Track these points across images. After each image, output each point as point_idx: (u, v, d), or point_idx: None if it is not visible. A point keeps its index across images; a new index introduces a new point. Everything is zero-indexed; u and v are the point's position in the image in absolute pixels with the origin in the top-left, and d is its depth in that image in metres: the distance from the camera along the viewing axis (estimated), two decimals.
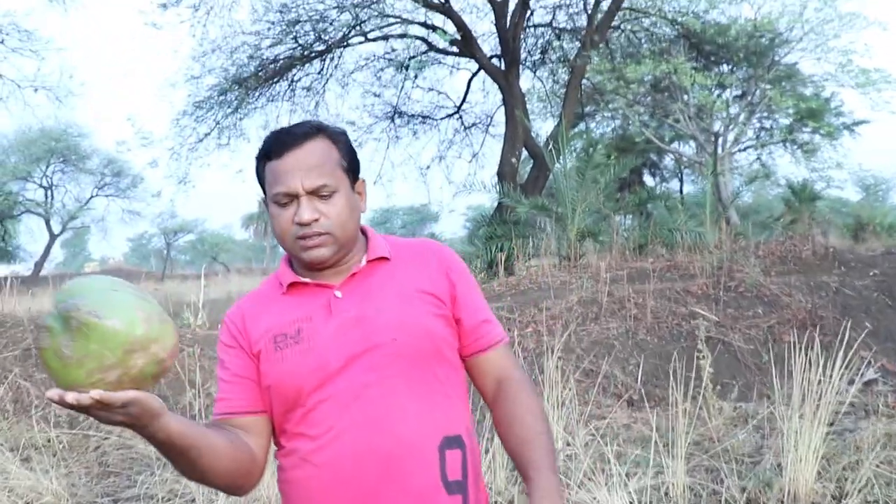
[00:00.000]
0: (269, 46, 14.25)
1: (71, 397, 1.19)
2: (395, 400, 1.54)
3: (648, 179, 30.43)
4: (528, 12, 14.56)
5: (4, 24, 16.12)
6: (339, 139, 1.65)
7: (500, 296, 8.67)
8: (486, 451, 4.25)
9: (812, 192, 22.59)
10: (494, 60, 14.71)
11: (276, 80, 14.77)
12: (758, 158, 27.36)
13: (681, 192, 30.38)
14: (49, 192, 39.76)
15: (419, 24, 14.42)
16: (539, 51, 16.45)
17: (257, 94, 14.70)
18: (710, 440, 5.11)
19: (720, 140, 23.51)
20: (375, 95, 16.60)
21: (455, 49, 14.58)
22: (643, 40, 17.28)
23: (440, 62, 16.05)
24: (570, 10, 15.71)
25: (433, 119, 17.35)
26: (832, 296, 7.78)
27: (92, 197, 40.49)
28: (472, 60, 14.68)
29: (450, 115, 17.36)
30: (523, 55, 15.40)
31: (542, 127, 20.08)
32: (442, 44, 14.14)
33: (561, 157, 10.85)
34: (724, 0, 17.07)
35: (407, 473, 1.52)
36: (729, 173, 23.84)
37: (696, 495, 4.21)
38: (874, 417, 5.54)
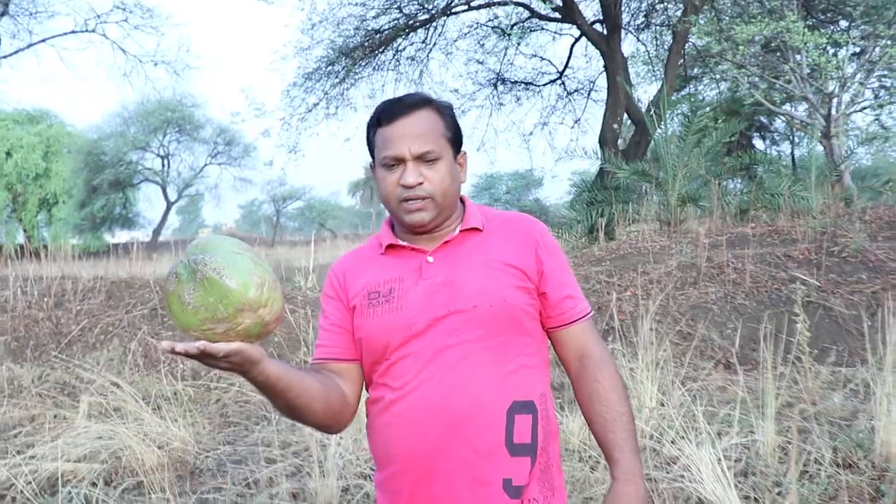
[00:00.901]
0: (374, 17, 14.53)
1: (180, 347, 1.35)
2: (470, 363, 1.63)
3: (758, 143, 29.53)
4: None
5: (129, 2, 16.90)
6: (445, 112, 1.75)
7: (601, 260, 8.79)
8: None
9: None
10: (596, 26, 14.63)
11: (381, 50, 15.07)
12: (876, 119, 26.26)
13: (792, 155, 29.37)
14: (165, 161, 41.38)
15: None
16: (642, 14, 16.24)
17: (363, 64, 15.04)
18: (804, 403, 5.17)
19: (834, 101, 22.59)
20: (479, 63, 16.74)
21: (557, 15, 14.56)
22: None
23: (543, 28, 16.05)
24: None
25: (536, 85, 17.39)
26: None
27: (205, 165, 41.93)
28: (574, 27, 14.63)
29: (552, 82, 17.37)
30: (626, 19, 15.26)
31: (647, 91, 19.84)
32: (544, 10, 14.14)
33: (662, 123, 10.80)
34: None
35: (472, 432, 1.60)
36: (843, 135, 22.92)
37: (787, 454, 4.29)
38: None
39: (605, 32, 14.06)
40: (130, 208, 41.97)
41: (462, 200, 1.83)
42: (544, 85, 17.35)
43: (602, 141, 13.28)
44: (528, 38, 16.13)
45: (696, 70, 20.63)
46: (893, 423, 4.10)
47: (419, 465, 1.62)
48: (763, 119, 28.48)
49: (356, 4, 14.47)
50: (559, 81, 17.31)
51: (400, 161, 1.68)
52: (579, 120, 17.63)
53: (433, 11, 14.49)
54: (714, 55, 17.71)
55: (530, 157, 48.28)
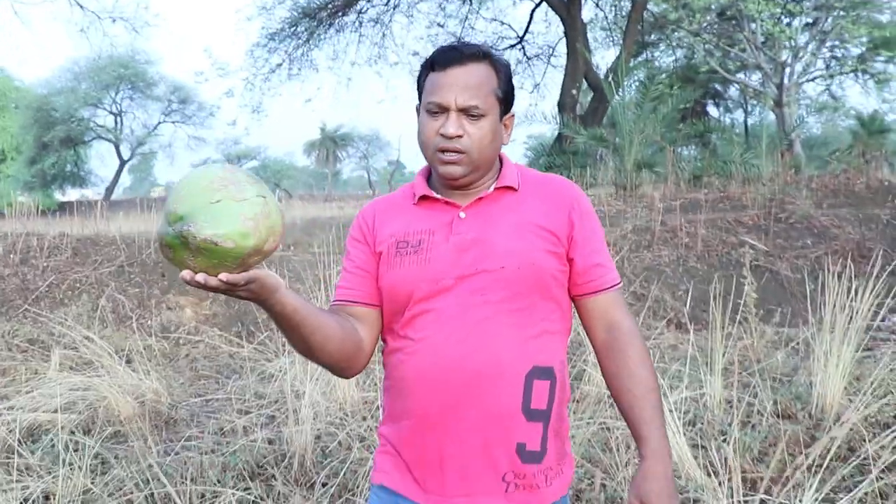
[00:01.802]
0: None
1: (201, 277, 1.33)
2: (494, 323, 1.60)
3: (713, 110, 29.98)
4: None
5: None
6: (502, 69, 1.69)
7: None
8: None
9: (882, 124, 21.97)
10: None
11: (344, 11, 15.08)
12: (826, 89, 26.80)
13: (745, 123, 29.88)
14: (118, 119, 40.66)
15: None
16: None
17: (327, 25, 15.03)
18: (750, 361, 5.48)
19: (787, 70, 23.00)
20: (439, 26, 16.82)
21: None
22: None
23: None
24: None
25: (496, 49, 17.47)
26: (882, 228, 7.99)
27: (159, 123, 41.33)
28: None
29: (512, 46, 17.52)
30: None
31: (605, 57, 20.05)
32: None
33: (620, 90, 11.04)
34: None
35: (489, 393, 1.58)
36: (794, 104, 23.38)
37: (732, 406, 4.58)
38: None
39: None
40: (82, 166, 41.26)
41: (500, 159, 1.77)
42: (504, 49, 17.48)
43: (561, 106, 13.50)
44: (489, 3, 16.29)
45: (653, 37, 20.86)
46: (829, 377, 4.40)
47: (433, 421, 1.61)
48: (718, 87, 28.92)
49: None
50: (519, 46, 17.46)
51: (444, 110, 1.63)
52: (538, 85, 17.82)
53: None
54: (671, 23, 17.97)
55: None
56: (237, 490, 3.42)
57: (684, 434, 3.81)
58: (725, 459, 3.49)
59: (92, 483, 3.52)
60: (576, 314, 1.78)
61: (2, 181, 37.64)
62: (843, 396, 4.47)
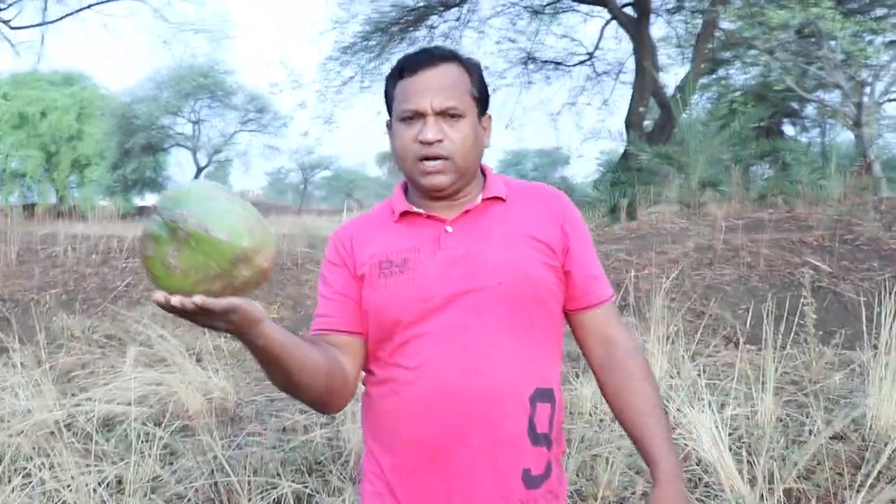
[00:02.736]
0: None
1: (176, 300, 1.18)
2: (494, 344, 1.51)
3: (789, 129, 29.43)
4: None
5: None
6: (473, 68, 1.61)
7: (621, 239, 9.09)
8: None
9: None
10: (627, 9, 14.82)
11: (415, 26, 15.38)
12: None
13: (822, 142, 29.26)
14: (196, 127, 41.71)
15: None
16: None
17: (398, 40, 15.36)
18: (808, 381, 5.48)
19: (867, 89, 22.46)
20: (510, 41, 16.99)
21: None
22: None
23: (574, 10, 16.27)
24: None
25: (565, 65, 17.60)
26: None
27: (236, 132, 42.23)
28: (605, 9, 14.85)
29: (582, 62, 17.60)
30: (657, 2, 15.44)
31: (676, 73, 19.97)
32: None
33: (687, 109, 11.06)
34: None
35: (495, 419, 1.49)
36: (875, 124, 22.82)
37: (785, 425, 4.61)
38: None
39: (636, 16, 14.26)
40: (160, 172, 42.42)
41: (482, 170, 1.67)
42: (574, 65, 17.59)
43: (628, 123, 13.56)
44: (560, 19, 16.40)
45: (728, 53, 20.65)
46: (884, 400, 4.41)
47: (435, 452, 1.51)
48: (794, 105, 28.41)
49: None
50: (589, 62, 17.54)
51: (420, 115, 1.53)
52: (607, 101, 17.87)
53: None
54: (744, 41, 17.76)
55: (557, 136, 48.59)
56: (294, 483, 3.60)
57: (730, 449, 3.88)
58: (770, 473, 3.55)
59: (161, 470, 3.75)
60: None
61: (86, 186, 39.00)
62: None
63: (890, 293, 7.13)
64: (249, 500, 3.40)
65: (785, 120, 28.84)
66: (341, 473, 3.83)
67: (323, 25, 21.87)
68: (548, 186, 1.72)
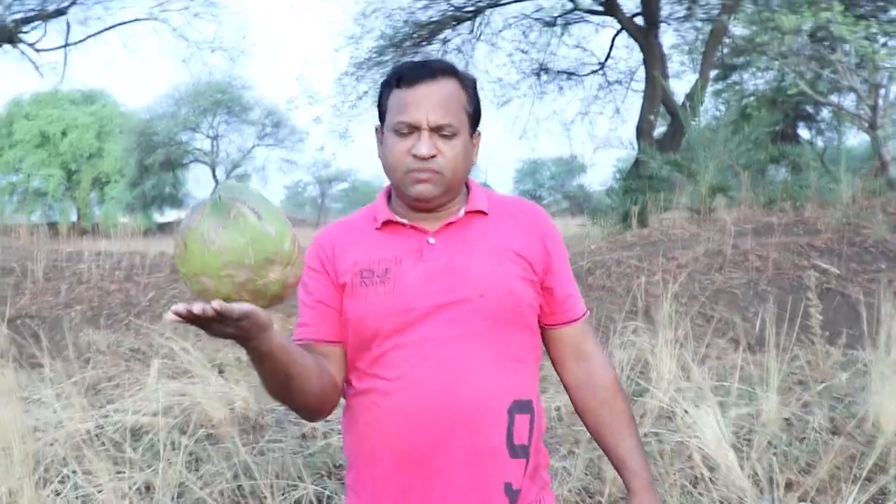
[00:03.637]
0: (423, 9, 15.08)
1: (198, 308, 1.17)
2: (475, 357, 1.52)
3: (805, 133, 29.38)
4: None
5: None
6: (469, 85, 1.61)
7: (632, 245, 9.23)
8: None
9: None
10: (638, 18, 14.98)
11: (428, 41, 15.63)
12: None
13: (838, 146, 29.12)
14: (215, 142, 41.92)
15: None
16: (685, 7, 16.55)
17: (412, 55, 15.57)
18: (814, 381, 5.61)
19: (882, 91, 22.39)
20: (523, 52, 17.13)
21: (599, 8, 14.97)
22: None
23: (585, 20, 16.43)
24: None
25: (577, 76, 17.76)
26: None
27: (254, 147, 42.43)
28: (615, 19, 15.03)
29: (594, 72, 17.73)
30: (668, 11, 15.60)
31: (689, 80, 20.06)
32: (586, 3, 14.56)
33: (696, 116, 11.21)
34: None
35: (476, 431, 1.50)
36: (890, 126, 22.75)
37: (790, 424, 4.75)
38: None
39: (645, 26, 14.44)
40: (180, 188, 42.75)
41: (466, 183, 1.67)
42: (586, 75, 17.74)
43: (639, 131, 13.73)
44: (572, 30, 16.59)
45: (741, 59, 20.68)
46: (886, 398, 4.55)
47: (415, 464, 1.52)
48: (810, 109, 28.36)
49: None
50: (601, 72, 17.70)
51: (414, 129, 1.53)
52: (619, 109, 18.02)
53: (481, 3, 15.01)
54: (755, 47, 17.83)
55: (570, 146, 48.70)
56: (314, 485, 3.78)
57: (734, 446, 4.02)
58: (770, 466, 3.70)
59: (187, 475, 3.94)
60: None
61: (106, 203, 39.43)
62: None
63: (894, 294, 7.29)
64: (273, 501, 3.58)
65: (801, 124, 28.82)
66: None
67: (338, 42, 22.24)
68: (529, 202, 1.74)
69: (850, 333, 6.81)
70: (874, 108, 21.61)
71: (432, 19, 15.26)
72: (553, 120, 24.47)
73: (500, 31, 16.55)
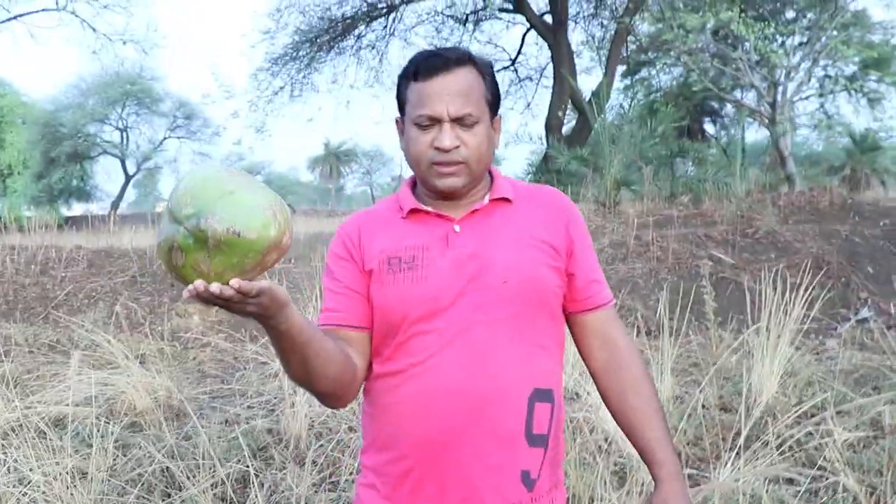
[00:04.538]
0: (337, 5, 15.25)
1: (215, 288, 1.19)
2: (498, 343, 1.52)
3: (710, 127, 30.38)
4: None
5: None
6: (487, 71, 1.61)
7: None
8: None
9: (874, 142, 22.32)
10: (548, 17, 15.43)
11: (343, 37, 15.79)
12: (821, 107, 27.18)
13: (741, 140, 30.10)
14: (124, 134, 41.08)
15: None
16: (592, 6, 17.08)
17: (327, 50, 15.73)
18: (706, 363, 6.04)
19: (780, 88, 23.36)
20: (436, 48, 17.36)
21: (509, 6, 15.36)
22: None
23: (496, 17, 16.81)
24: None
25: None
26: (841, 243, 8.56)
27: (165, 139, 41.74)
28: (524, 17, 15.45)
29: (505, 68, 18.16)
30: (576, 10, 16.10)
31: (597, 76, 20.62)
32: (497, 1, 14.92)
33: (601, 113, 11.66)
34: None
35: (495, 418, 1.50)
36: (788, 122, 23.74)
37: (682, 402, 5.14)
38: (855, 348, 6.43)
39: (553, 24, 14.88)
40: (88, 181, 41.67)
41: (489, 170, 1.68)
42: (497, 71, 18.06)
43: (547, 127, 14.17)
44: (483, 26, 17.00)
45: (649, 55, 21.32)
46: (766, 375, 5.00)
47: (433, 449, 1.52)
48: (714, 105, 29.33)
49: None
50: (511, 68, 18.13)
51: (436, 121, 1.53)
52: (530, 105, 18.47)
53: (393, 0, 15.24)
54: (662, 44, 18.46)
55: None
56: (239, 464, 3.97)
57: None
58: None
59: (117, 459, 4.09)
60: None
61: (9, 196, 38.07)
62: (779, 391, 5.06)
63: (773, 282, 7.84)
64: (202, 479, 3.76)
65: (706, 119, 29.80)
66: (283, 456, 4.21)
67: (254, 37, 22.15)
68: (554, 190, 1.74)
69: (740, 319, 7.30)
70: (773, 105, 22.61)
71: (347, 15, 15.42)
72: None
73: (413, 27, 16.86)
